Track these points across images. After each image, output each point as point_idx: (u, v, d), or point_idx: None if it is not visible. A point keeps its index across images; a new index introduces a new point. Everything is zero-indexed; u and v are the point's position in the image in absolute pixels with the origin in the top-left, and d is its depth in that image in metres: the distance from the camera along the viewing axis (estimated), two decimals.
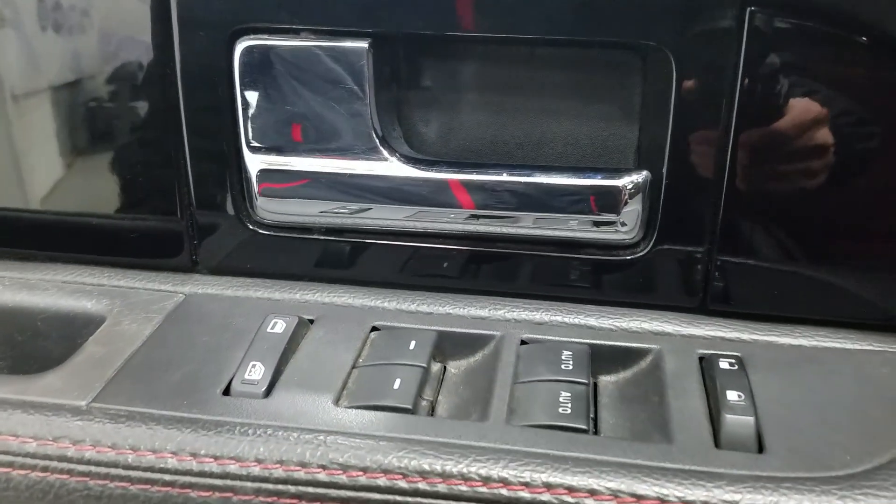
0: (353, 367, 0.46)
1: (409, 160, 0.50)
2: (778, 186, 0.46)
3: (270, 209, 0.53)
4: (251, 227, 0.54)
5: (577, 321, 0.50)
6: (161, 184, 0.53)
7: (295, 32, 0.48)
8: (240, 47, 0.49)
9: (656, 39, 0.45)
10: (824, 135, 0.45)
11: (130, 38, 0.51)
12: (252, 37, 0.49)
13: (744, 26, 0.43)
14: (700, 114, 0.46)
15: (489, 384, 0.45)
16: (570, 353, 0.46)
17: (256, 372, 0.45)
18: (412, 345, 0.47)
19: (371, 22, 0.47)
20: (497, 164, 0.51)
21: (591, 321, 0.50)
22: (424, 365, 0.45)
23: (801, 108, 0.45)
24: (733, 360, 0.45)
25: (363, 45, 0.48)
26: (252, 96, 0.50)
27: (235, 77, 0.50)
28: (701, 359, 0.46)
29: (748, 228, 0.48)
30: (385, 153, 0.50)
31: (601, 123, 0.51)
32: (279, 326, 0.48)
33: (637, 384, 0.46)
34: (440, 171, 0.50)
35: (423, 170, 0.50)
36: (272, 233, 0.54)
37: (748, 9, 0.43)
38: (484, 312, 0.51)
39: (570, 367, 0.45)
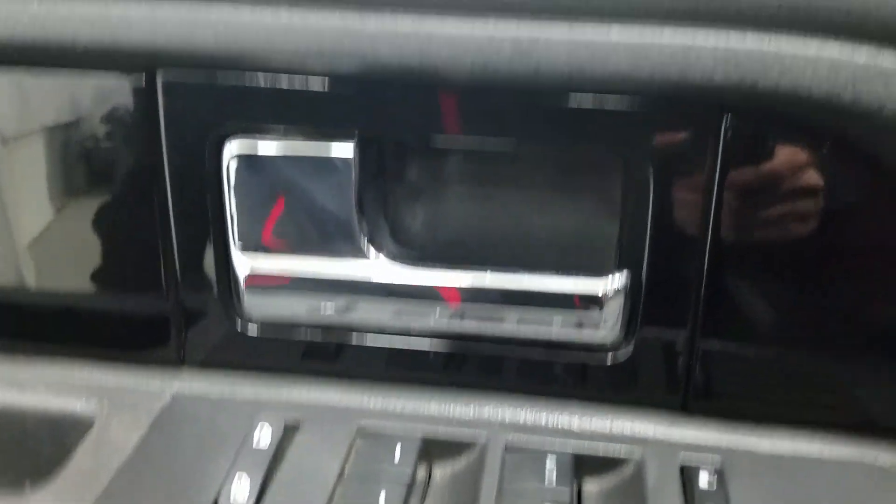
0: (339, 477, 0.47)
1: (395, 258, 0.51)
2: (756, 289, 0.47)
3: (258, 306, 0.53)
4: (238, 322, 0.54)
5: (560, 424, 0.50)
6: (149, 279, 0.54)
7: (283, 134, 0.49)
8: (228, 148, 0.49)
9: (634, 145, 0.45)
10: (801, 239, 0.45)
11: (117, 136, 0.51)
12: (240, 136, 0.49)
13: (720, 132, 0.44)
14: (678, 216, 0.46)
15: (474, 495, 0.45)
16: (554, 462, 0.47)
17: (242, 488, 0.45)
18: (397, 454, 0.48)
19: (357, 125, 0.48)
20: (482, 261, 0.51)
21: (575, 423, 0.50)
22: (409, 479, 0.46)
23: (778, 211, 0.45)
24: (713, 471, 0.46)
25: (349, 146, 0.48)
26: (240, 196, 0.50)
27: (224, 177, 0.50)
28: (682, 468, 0.47)
29: (728, 329, 0.48)
30: (371, 252, 0.51)
31: (584, 221, 0.51)
32: (265, 435, 0.49)
33: (619, 494, 0.47)
34: (426, 270, 0.51)
35: (409, 267, 0.51)
36: (259, 329, 0.54)
37: (725, 115, 0.44)
38: (469, 413, 0.51)
39: (554, 479, 0.46)
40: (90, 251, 0.54)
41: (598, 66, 0.41)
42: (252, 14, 0.44)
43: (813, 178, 0.44)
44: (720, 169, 0.45)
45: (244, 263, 0.52)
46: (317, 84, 0.47)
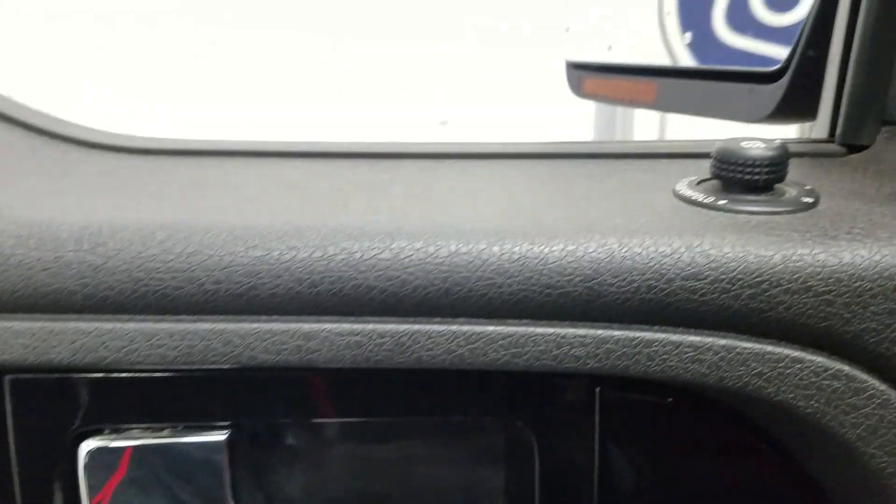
0: None
1: None
2: None
3: None
4: None
5: None
6: None
7: (146, 428, 0.46)
8: (84, 446, 0.45)
9: (514, 413, 0.46)
10: (683, 492, 0.47)
11: None
12: (97, 434, 0.46)
13: (595, 402, 0.45)
14: (564, 478, 0.47)
15: None
16: None
17: None
18: None
19: (228, 413, 0.46)
20: None
21: None
22: None
23: (655, 468, 0.47)
24: None
25: (221, 437, 0.46)
26: (98, 497, 0.46)
27: (80, 476, 0.46)
28: None
29: None
30: None
31: (471, 484, 0.51)
32: None
33: None
34: None
35: None
36: None
37: (596, 389, 0.45)
38: None
39: None
40: None
41: (478, 358, 0.42)
42: (113, 324, 0.42)
43: (691, 436, 0.46)
44: (599, 431, 0.46)
45: None
46: (184, 376, 0.44)
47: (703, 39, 0.66)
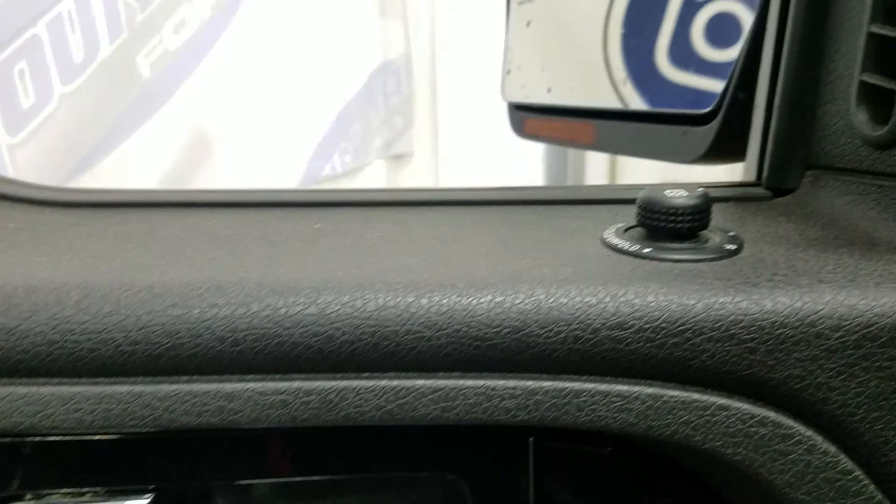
0: None
1: None
2: None
3: None
4: None
5: None
6: None
7: (69, 496, 0.44)
8: None
9: (447, 466, 0.45)
10: None
11: None
12: (17, 500, 0.44)
13: (529, 452, 0.45)
14: None
15: None
16: None
17: None
18: None
19: (151, 478, 0.44)
20: None
21: None
22: None
23: None
24: None
25: (144, 502, 0.44)
26: None
27: None
28: None
29: None
30: None
31: None
32: None
33: None
34: None
35: None
36: None
37: (530, 438, 0.45)
38: None
39: None
40: None
41: (407, 413, 0.41)
42: (28, 388, 0.40)
43: (625, 484, 0.46)
44: (533, 481, 0.45)
45: None
46: (105, 439, 0.43)
47: (646, 76, 0.67)
